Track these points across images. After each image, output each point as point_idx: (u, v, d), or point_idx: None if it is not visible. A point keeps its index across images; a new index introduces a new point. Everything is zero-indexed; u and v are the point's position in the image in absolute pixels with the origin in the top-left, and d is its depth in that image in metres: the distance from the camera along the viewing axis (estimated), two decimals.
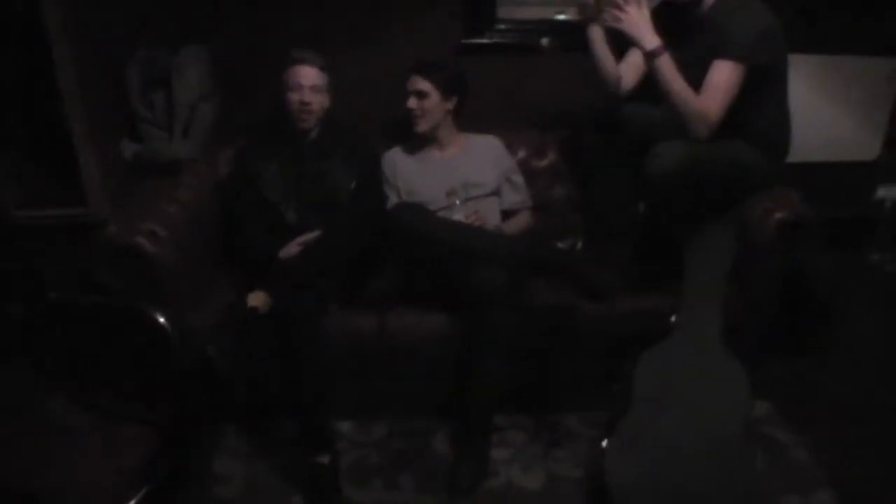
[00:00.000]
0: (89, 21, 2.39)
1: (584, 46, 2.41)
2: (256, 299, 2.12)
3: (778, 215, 2.28)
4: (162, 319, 2.13)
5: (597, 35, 2.34)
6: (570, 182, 2.71)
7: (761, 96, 2.23)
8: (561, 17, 2.71)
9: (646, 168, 2.20)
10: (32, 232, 2.53)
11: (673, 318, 2.22)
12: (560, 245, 2.48)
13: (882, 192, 3.08)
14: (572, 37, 2.55)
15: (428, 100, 2.50)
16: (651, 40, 2.15)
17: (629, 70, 2.43)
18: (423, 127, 2.54)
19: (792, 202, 2.34)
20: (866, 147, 3.03)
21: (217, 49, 2.62)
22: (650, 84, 2.35)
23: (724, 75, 2.14)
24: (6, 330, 2.56)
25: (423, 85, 2.49)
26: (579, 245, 2.49)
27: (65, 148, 2.43)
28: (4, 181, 2.50)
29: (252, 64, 2.67)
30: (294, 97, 2.42)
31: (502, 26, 2.80)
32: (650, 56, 2.15)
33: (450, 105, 2.54)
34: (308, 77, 2.42)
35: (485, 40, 2.78)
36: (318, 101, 2.45)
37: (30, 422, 2.28)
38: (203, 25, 2.63)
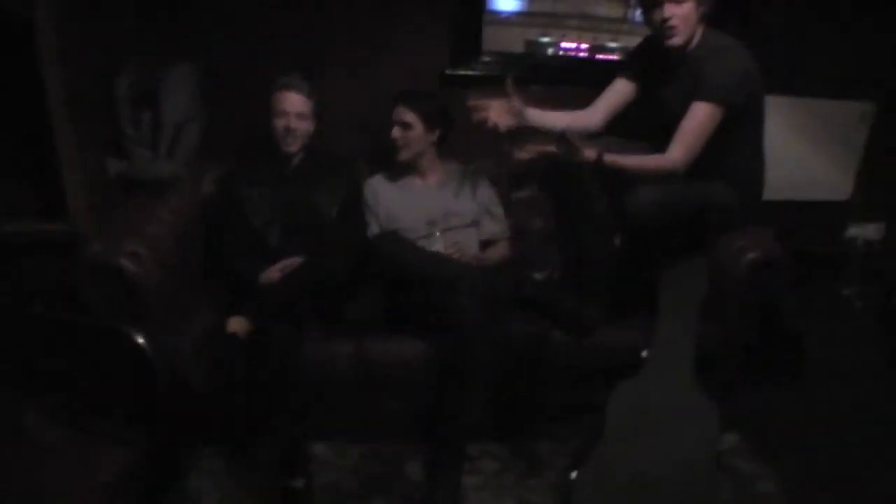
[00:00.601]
0: (79, 38, 2.42)
1: (564, 80, 2.47)
2: (237, 324, 2.14)
3: (750, 255, 2.34)
4: (141, 340, 2.15)
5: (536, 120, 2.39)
6: (547, 213, 2.74)
7: (738, 137, 2.29)
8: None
9: (623, 206, 2.26)
10: (15, 246, 2.54)
11: (645, 353, 2.27)
12: (537, 275, 2.52)
13: (853, 230, 3.15)
14: (554, 71, 2.63)
15: (411, 131, 2.55)
16: (589, 153, 2.20)
17: (597, 111, 2.49)
18: (404, 156, 2.58)
19: (765, 241, 2.40)
20: (839, 187, 3.11)
21: (204, 69, 2.65)
22: (621, 118, 2.46)
23: (700, 117, 2.20)
24: None
25: (408, 116, 2.54)
26: (556, 276, 2.52)
27: (50, 164, 2.46)
28: None
29: (239, 85, 2.71)
30: (280, 123, 2.45)
31: (487, 58, 2.86)
32: (597, 164, 2.21)
33: (433, 137, 2.59)
34: (294, 103, 2.45)
35: (469, 72, 2.84)
36: (304, 127, 2.49)
37: (4, 435, 2.29)
38: (191, 45, 2.66)
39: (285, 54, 2.72)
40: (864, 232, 3.15)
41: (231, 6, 2.69)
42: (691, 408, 2.23)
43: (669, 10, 2.23)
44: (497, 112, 2.34)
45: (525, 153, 2.28)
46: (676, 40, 2.26)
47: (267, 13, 2.71)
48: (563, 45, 3.26)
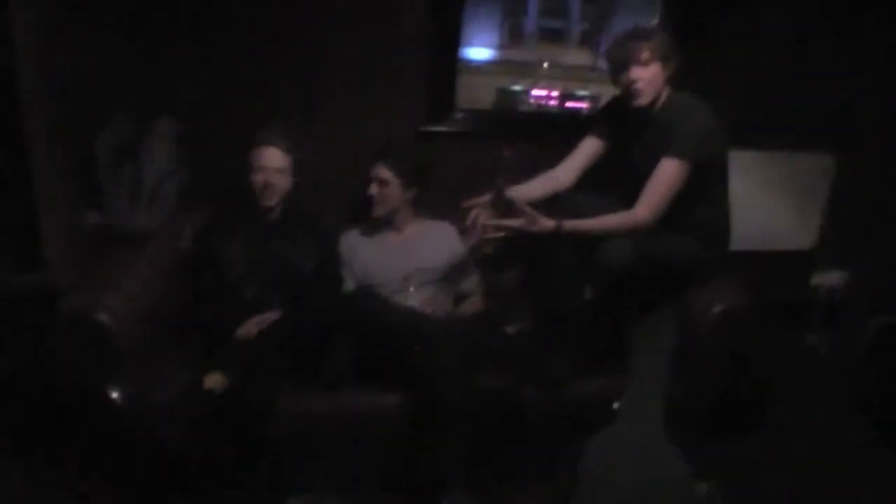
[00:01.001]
0: (60, 90, 2.44)
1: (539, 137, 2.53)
2: (212, 381, 2.15)
3: (718, 306, 2.40)
4: (116, 395, 2.16)
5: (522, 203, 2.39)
6: (518, 267, 2.78)
7: (703, 192, 2.37)
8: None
9: (592, 260, 2.32)
10: None
11: (616, 405, 2.32)
12: (509, 329, 2.56)
13: (818, 278, 3.23)
14: (526, 126, 2.69)
15: (388, 188, 2.60)
16: (547, 225, 2.27)
17: (567, 170, 2.55)
18: (380, 212, 2.64)
19: (732, 293, 2.46)
20: (803, 236, 3.20)
21: (185, 123, 2.69)
22: (592, 174, 2.54)
23: (668, 174, 2.28)
24: None
25: (385, 174, 2.59)
26: (528, 329, 2.56)
27: (29, 216, 2.47)
28: None
29: (217, 139, 2.74)
30: (258, 178, 2.48)
31: (460, 115, 2.94)
32: (556, 235, 2.28)
33: (409, 194, 2.65)
34: (272, 159, 2.49)
35: (444, 128, 2.91)
36: (282, 183, 2.52)
37: None
38: (171, 100, 2.70)
39: (263, 111, 2.75)
40: (828, 280, 3.23)
41: (209, 63, 2.73)
42: (663, 458, 2.27)
43: (636, 73, 2.32)
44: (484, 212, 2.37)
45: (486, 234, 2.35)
46: (642, 101, 2.35)
47: (246, 70, 2.76)
48: (534, 92, 3.36)
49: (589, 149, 2.56)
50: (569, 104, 3.46)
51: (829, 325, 3.27)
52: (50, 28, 2.38)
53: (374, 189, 2.61)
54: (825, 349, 3.25)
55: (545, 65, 3.37)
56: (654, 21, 3.11)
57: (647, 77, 2.32)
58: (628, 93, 2.36)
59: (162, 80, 2.69)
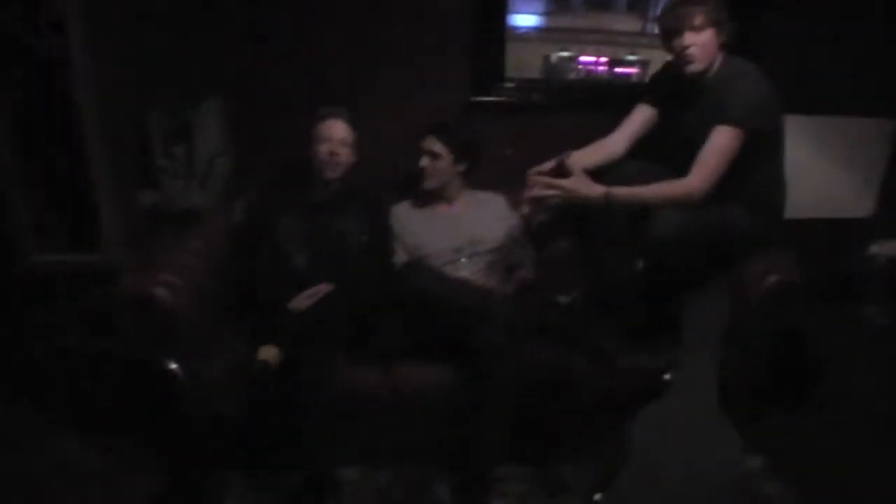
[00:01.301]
0: (112, 75, 2.48)
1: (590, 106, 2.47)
2: (267, 353, 2.18)
3: (771, 278, 2.35)
4: (174, 367, 2.22)
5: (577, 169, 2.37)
6: (570, 237, 2.77)
7: (757, 161, 2.32)
8: None
9: (644, 231, 2.29)
10: (52, 277, 2.61)
11: (667, 376, 2.30)
12: (561, 298, 2.54)
13: (875, 247, 3.15)
14: (575, 95, 2.65)
15: (439, 161, 2.61)
16: (596, 192, 2.26)
17: (619, 139, 2.52)
18: (431, 185, 2.64)
19: (785, 265, 2.41)
20: (861, 204, 3.12)
21: (234, 102, 2.72)
22: (644, 143, 2.50)
23: (722, 142, 2.23)
24: (23, 371, 2.66)
25: (437, 147, 2.60)
26: (580, 300, 2.54)
27: (85, 196, 2.53)
28: (26, 227, 2.59)
29: (267, 117, 2.77)
30: (323, 149, 2.52)
31: (510, 84, 2.91)
32: (606, 203, 2.25)
33: (460, 168, 2.65)
34: (338, 131, 2.54)
35: (492, 98, 2.88)
36: (346, 155, 2.57)
37: (40, 460, 2.36)
38: (221, 79, 2.72)
39: (312, 88, 2.79)
40: (886, 249, 3.15)
41: (258, 43, 2.76)
42: (715, 431, 2.25)
43: (689, 39, 2.27)
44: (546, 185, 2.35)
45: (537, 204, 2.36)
46: (695, 67, 2.30)
47: (293, 49, 2.77)
48: (582, 59, 3.30)
49: (641, 117, 2.52)
50: (617, 70, 3.39)
51: (888, 296, 3.20)
52: (99, 13, 2.40)
53: (425, 161, 2.62)
54: (883, 320, 3.17)
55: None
56: None
57: (701, 42, 2.28)
58: (682, 59, 2.32)
59: (212, 61, 2.71)
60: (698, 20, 2.26)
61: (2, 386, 2.66)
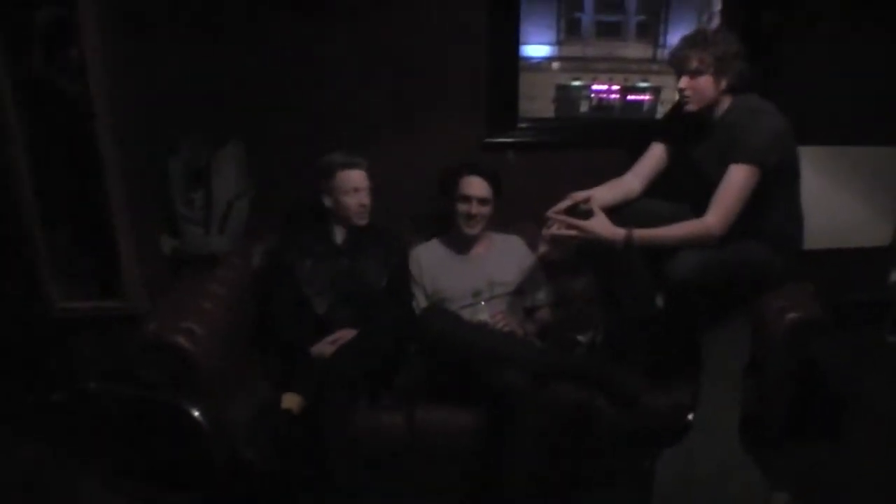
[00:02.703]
0: (134, 121, 2.52)
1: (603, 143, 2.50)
2: (290, 401, 2.19)
3: (791, 315, 2.36)
4: (197, 414, 2.23)
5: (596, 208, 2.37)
6: (589, 275, 2.77)
7: (774, 197, 2.32)
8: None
9: (662, 269, 2.29)
10: (75, 322, 2.64)
11: (690, 416, 2.29)
12: (581, 338, 2.55)
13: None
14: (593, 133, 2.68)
15: (488, 206, 2.64)
16: (616, 235, 2.27)
17: (635, 178, 2.52)
18: (476, 230, 2.66)
19: (805, 300, 2.41)
20: (880, 233, 3.11)
21: (253, 146, 2.74)
22: (660, 181, 2.51)
23: (738, 180, 2.23)
24: (46, 415, 2.68)
25: (486, 191, 2.62)
26: (599, 338, 2.55)
27: (108, 243, 2.55)
28: (49, 273, 2.62)
29: (286, 161, 2.80)
30: (352, 201, 2.55)
31: (524, 125, 2.93)
32: (627, 246, 2.27)
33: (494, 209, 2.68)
34: (362, 180, 2.57)
35: (507, 139, 2.90)
36: (371, 201, 2.59)
37: (62, 501, 2.38)
38: (240, 125, 2.75)
39: (330, 130, 2.81)
40: None
41: (275, 90, 2.79)
42: (739, 468, 2.25)
43: (684, 82, 2.30)
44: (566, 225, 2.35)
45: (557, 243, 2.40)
46: (690, 108, 2.33)
47: (311, 94, 2.80)
48: (595, 87, 3.33)
49: (656, 155, 2.53)
50: (630, 97, 3.42)
51: None
52: (120, 58, 2.44)
53: (476, 208, 2.62)
54: None
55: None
56: (717, 7, 3.06)
57: (695, 87, 2.29)
58: (680, 99, 2.34)
59: (231, 107, 2.75)
60: (694, 65, 2.27)
61: (27, 431, 2.68)
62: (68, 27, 2.41)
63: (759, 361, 2.38)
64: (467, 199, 2.62)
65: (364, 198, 2.56)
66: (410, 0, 2.77)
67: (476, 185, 2.62)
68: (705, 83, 2.29)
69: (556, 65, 3.28)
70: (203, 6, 2.67)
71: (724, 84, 2.30)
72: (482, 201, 2.62)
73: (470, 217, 2.63)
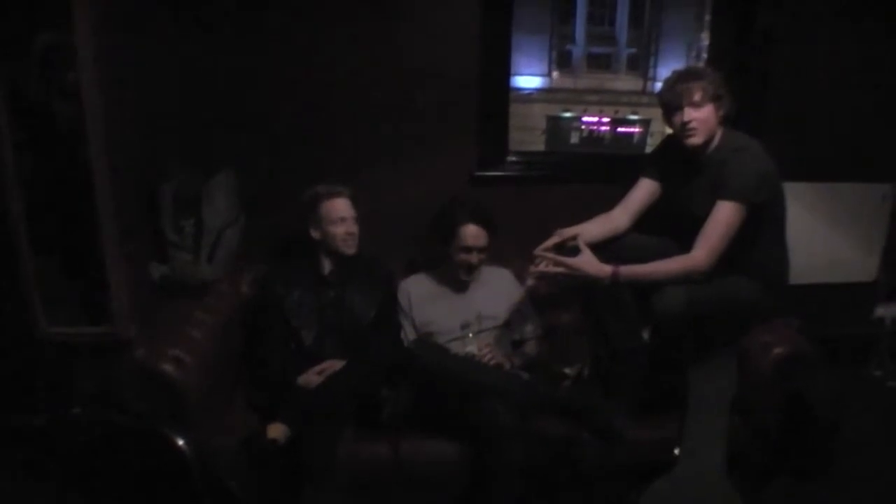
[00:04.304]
0: (127, 148, 2.52)
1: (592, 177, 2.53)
2: (275, 431, 2.18)
3: (777, 350, 2.37)
4: (182, 442, 2.22)
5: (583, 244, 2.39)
6: (577, 309, 2.79)
7: (760, 233, 2.35)
8: None
9: (649, 304, 2.31)
10: (61, 348, 2.62)
11: (676, 451, 2.30)
12: (567, 370, 2.56)
13: (881, 310, 3.17)
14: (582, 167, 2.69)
15: (486, 253, 2.64)
16: (603, 272, 2.30)
17: (623, 213, 2.55)
18: (472, 276, 2.67)
19: (790, 335, 2.43)
20: (864, 268, 3.14)
21: (244, 175, 2.76)
22: (647, 216, 2.54)
23: (725, 216, 2.26)
24: (28, 440, 2.65)
25: (486, 240, 2.62)
26: (586, 371, 2.56)
27: (96, 269, 2.55)
28: (36, 298, 2.61)
29: (277, 190, 2.81)
30: (339, 230, 2.55)
31: (513, 158, 2.95)
32: (613, 282, 2.30)
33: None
34: (347, 209, 2.57)
35: (497, 172, 2.93)
36: (358, 230, 2.59)
37: None
38: (232, 153, 2.77)
39: (320, 162, 2.83)
40: (891, 311, 3.16)
41: (266, 120, 2.81)
42: (724, 502, 2.25)
43: (689, 115, 2.32)
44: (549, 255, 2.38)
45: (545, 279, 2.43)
46: (696, 140, 2.34)
47: (302, 124, 2.83)
48: (585, 118, 3.37)
49: (644, 190, 2.55)
50: (620, 129, 3.46)
51: (894, 359, 3.20)
52: (115, 83, 2.45)
53: (475, 257, 2.62)
54: (891, 383, 3.17)
55: None
56: (705, 42, 3.11)
57: (701, 118, 2.32)
58: (682, 133, 2.36)
59: (222, 136, 2.77)
60: (697, 96, 2.31)
61: (10, 456, 2.65)
62: (65, 52, 2.42)
63: (745, 396, 2.38)
64: (468, 249, 2.61)
65: (351, 226, 2.56)
66: (401, 31, 2.79)
67: (475, 235, 2.60)
68: (708, 113, 2.33)
69: (546, 96, 3.32)
70: (196, 35, 2.69)
71: (720, 114, 2.35)
72: (481, 250, 2.63)
73: (470, 266, 2.63)
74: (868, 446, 2.87)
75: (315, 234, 2.59)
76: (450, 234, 2.62)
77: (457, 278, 2.68)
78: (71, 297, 2.64)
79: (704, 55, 3.14)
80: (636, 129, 3.44)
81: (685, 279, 2.27)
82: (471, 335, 2.60)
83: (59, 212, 2.59)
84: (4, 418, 2.73)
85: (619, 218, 2.53)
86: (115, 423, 2.45)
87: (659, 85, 2.50)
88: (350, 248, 2.58)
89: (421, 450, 2.31)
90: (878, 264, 3.15)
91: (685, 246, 2.32)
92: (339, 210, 2.56)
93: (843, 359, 3.03)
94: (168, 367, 2.21)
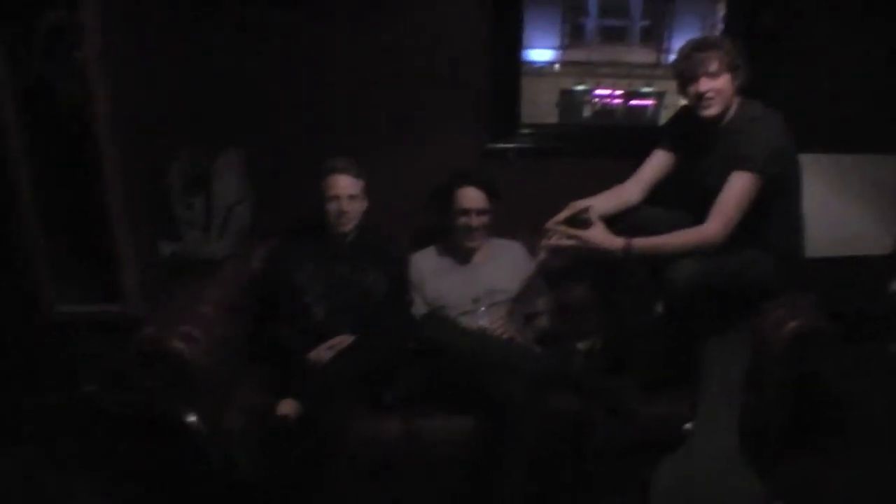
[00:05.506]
0: (134, 127, 2.52)
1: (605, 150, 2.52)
2: (287, 407, 2.17)
3: (791, 325, 2.34)
4: (193, 419, 2.22)
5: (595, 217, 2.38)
6: (589, 283, 2.77)
7: (775, 206, 2.32)
8: None
9: (663, 277, 2.29)
10: (72, 326, 2.64)
11: (688, 426, 2.28)
12: (580, 345, 2.54)
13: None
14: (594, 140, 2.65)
15: (488, 216, 2.62)
16: (615, 244, 2.28)
17: (635, 185, 2.52)
18: (477, 242, 2.66)
19: (805, 310, 2.40)
20: (881, 241, 3.10)
21: (253, 152, 2.74)
22: (660, 189, 2.50)
23: (739, 188, 2.23)
24: (43, 417, 2.68)
25: (485, 202, 2.61)
26: (598, 345, 2.54)
27: (106, 247, 2.55)
28: (46, 277, 2.62)
29: (286, 167, 2.79)
30: (332, 207, 2.52)
31: (525, 131, 2.92)
32: (626, 255, 2.27)
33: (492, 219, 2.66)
34: (345, 186, 2.53)
35: (509, 144, 2.89)
36: (356, 208, 2.56)
37: None
38: (240, 130, 2.76)
39: (330, 137, 2.81)
40: None
41: (275, 96, 2.79)
42: (737, 479, 2.25)
43: (705, 85, 2.28)
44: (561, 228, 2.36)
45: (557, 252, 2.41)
46: (712, 111, 2.31)
47: (311, 99, 2.80)
48: (598, 91, 3.32)
49: (657, 162, 2.52)
50: (633, 102, 3.41)
51: None
52: (121, 61, 2.44)
53: (476, 220, 2.60)
54: None
55: None
56: (720, 14, 3.05)
57: (717, 87, 2.28)
58: (698, 104, 2.32)
59: (232, 112, 2.75)
60: (714, 66, 2.27)
61: (21, 434, 2.68)
62: (71, 30, 2.41)
63: (759, 371, 2.36)
64: (466, 212, 2.60)
65: (345, 204, 2.52)
66: (412, 3, 2.76)
67: (473, 197, 2.60)
68: (725, 83, 2.29)
69: (559, 69, 3.27)
70: (203, 12, 2.66)
71: (736, 84, 2.31)
72: (480, 212, 2.61)
73: (470, 229, 2.62)
74: (882, 422, 2.85)
75: (321, 209, 2.57)
76: (447, 200, 2.62)
77: (461, 247, 2.67)
78: (81, 275, 2.65)
79: (721, 26, 3.08)
80: (649, 102, 3.38)
81: (698, 252, 2.24)
82: (482, 309, 2.58)
83: (69, 191, 2.60)
84: (19, 397, 2.76)
85: (631, 190, 2.50)
86: (126, 401, 2.48)
87: (673, 57, 2.45)
88: (342, 226, 2.55)
89: (432, 425, 2.31)
90: (895, 238, 3.10)
91: (699, 218, 2.29)
92: (334, 187, 2.52)
93: (858, 334, 3.00)
94: (178, 344, 2.20)
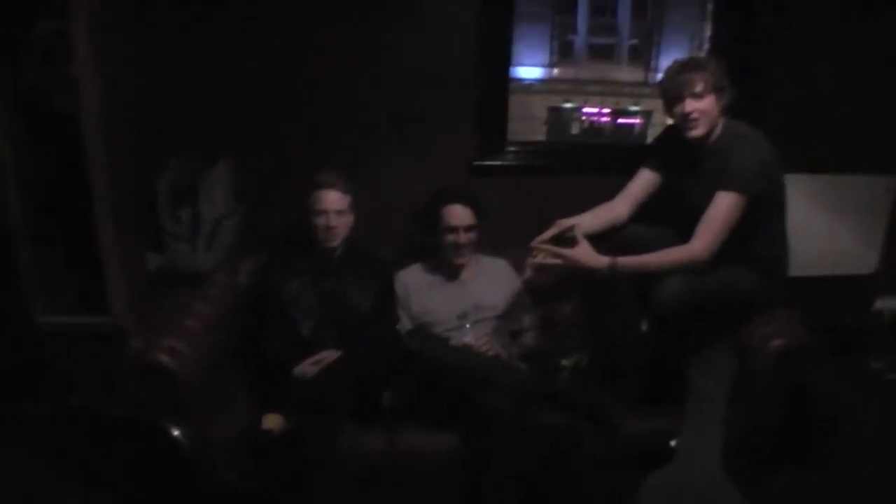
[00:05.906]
0: (122, 139, 2.51)
1: (592, 168, 2.53)
2: (272, 421, 2.18)
3: (776, 342, 2.35)
4: (177, 433, 2.21)
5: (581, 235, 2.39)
6: (575, 300, 2.79)
7: (760, 224, 2.35)
8: None
9: (648, 294, 2.31)
10: (58, 338, 2.62)
11: (673, 443, 2.29)
12: (565, 362, 2.55)
13: (881, 303, 3.15)
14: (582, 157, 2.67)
15: (474, 232, 2.62)
16: (601, 263, 2.30)
17: (622, 203, 2.55)
18: (464, 259, 2.66)
19: (790, 327, 2.41)
20: (865, 260, 3.13)
21: (242, 165, 2.74)
22: (647, 207, 2.54)
23: (725, 207, 2.27)
24: (26, 428, 2.66)
25: (472, 218, 2.61)
26: (584, 362, 2.55)
27: (93, 258, 2.54)
28: (34, 288, 2.60)
29: (273, 181, 2.79)
30: (319, 221, 2.51)
31: (512, 148, 2.93)
32: (611, 273, 2.29)
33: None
34: (332, 202, 2.52)
35: (496, 162, 2.90)
36: (343, 223, 2.56)
37: None
38: (228, 145, 2.75)
39: (318, 153, 2.81)
40: (891, 304, 3.15)
41: (264, 110, 2.79)
42: (723, 495, 2.24)
43: (690, 105, 2.31)
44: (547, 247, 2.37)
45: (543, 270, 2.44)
46: (698, 132, 2.34)
47: (301, 114, 2.80)
48: (586, 109, 3.35)
49: (644, 180, 2.55)
50: (620, 121, 3.45)
51: (893, 352, 3.19)
52: (112, 72, 2.44)
53: (464, 238, 2.61)
54: (891, 375, 3.16)
55: None
56: (706, 34, 3.10)
57: (702, 108, 2.32)
58: (684, 124, 2.35)
59: (220, 126, 2.76)
60: (699, 87, 2.30)
61: (6, 444, 2.65)
62: (66, 42, 2.41)
63: (745, 387, 2.37)
64: (453, 229, 2.60)
65: (331, 219, 2.52)
66: (400, 19, 2.76)
67: (460, 214, 2.60)
68: (710, 103, 2.32)
69: (547, 86, 3.30)
70: (195, 23, 2.67)
71: (721, 104, 2.34)
72: (468, 229, 2.61)
73: (458, 246, 2.62)
74: (868, 438, 2.86)
75: (308, 224, 2.56)
76: (435, 217, 2.62)
77: (449, 264, 2.67)
78: (68, 286, 2.64)
79: (707, 46, 3.12)
80: (637, 120, 3.42)
81: (684, 270, 2.27)
82: (468, 325, 2.59)
83: (57, 202, 2.58)
84: (13, 407, 2.73)
85: (618, 208, 2.52)
86: (111, 414, 2.45)
87: (660, 76, 2.48)
88: (330, 241, 2.54)
89: (418, 441, 2.32)
90: (879, 257, 3.14)
91: (685, 236, 2.32)
92: (322, 202, 2.52)
93: (843, 351, 3.02)
94: (165, 358, 2.21)
